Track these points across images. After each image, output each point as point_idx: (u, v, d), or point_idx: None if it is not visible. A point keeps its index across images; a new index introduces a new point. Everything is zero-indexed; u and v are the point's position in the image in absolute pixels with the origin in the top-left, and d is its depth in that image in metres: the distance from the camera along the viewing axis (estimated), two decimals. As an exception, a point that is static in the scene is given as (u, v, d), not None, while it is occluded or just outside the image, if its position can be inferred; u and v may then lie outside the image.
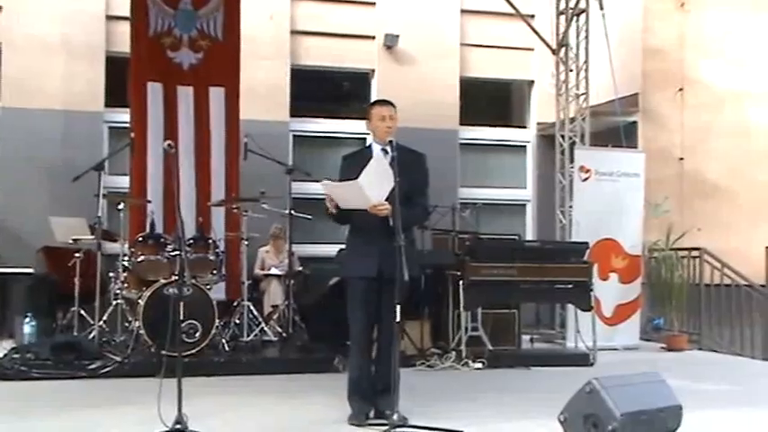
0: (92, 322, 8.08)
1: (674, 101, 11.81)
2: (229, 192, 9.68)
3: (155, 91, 9.74)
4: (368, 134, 5.55)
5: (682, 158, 11.70)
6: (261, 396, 6.42)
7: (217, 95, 9.92)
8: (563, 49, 11.32)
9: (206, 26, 9.95)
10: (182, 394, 4.72)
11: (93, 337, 7.91)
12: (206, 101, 9.88)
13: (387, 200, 5.13)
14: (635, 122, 11.81)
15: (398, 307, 5.00)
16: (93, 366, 7.15)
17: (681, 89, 11.81)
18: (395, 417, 4.97)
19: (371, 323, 5.41)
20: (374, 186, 5.09)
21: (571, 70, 11.22)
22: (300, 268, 9.73)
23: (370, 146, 5.57)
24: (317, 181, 5.40)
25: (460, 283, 8.24)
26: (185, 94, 9.84)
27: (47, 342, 7.59)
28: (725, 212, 11.52)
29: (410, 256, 4.99)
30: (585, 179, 10.03)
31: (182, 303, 5.17)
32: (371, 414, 5.37)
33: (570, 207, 10.57)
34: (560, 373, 7.67)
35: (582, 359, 8.50)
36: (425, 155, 5.58)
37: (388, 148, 5.33)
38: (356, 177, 5.10)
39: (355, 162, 5.39)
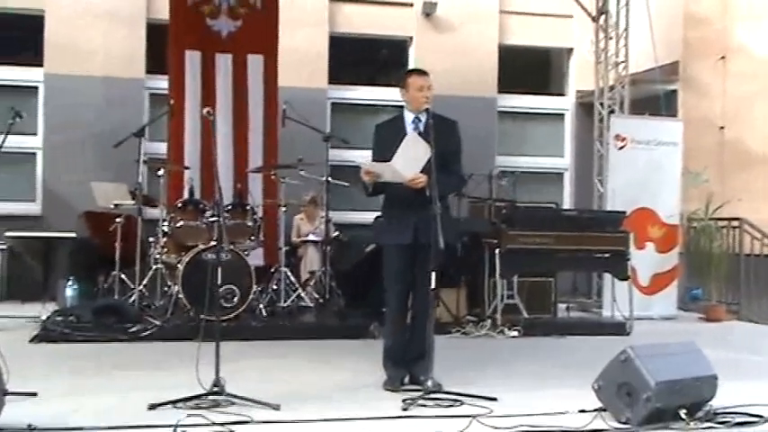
0: (132, 286, 8.23)
1: (715, 69, 11.63)
2: (267, 158, 9.75)
3: (193, 59, 9.81)
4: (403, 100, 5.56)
5: (722, 127, 11.54)
6: (297, 360, 6.51)
7: (255, 63, 9.95)
8: (603, 17, 11.19)
9: (245, -7, 9.97)
10: (219, 358, 4.80)
11: (134, 301, 8.05)
12: (244, 68, 9.93)
13: (422, 170, 5.15)
14: (675, 91, 11.67)
15: (433, 274, 5.03)
16: (133, 329, 7.29)
17: (723, 57, 11.62)
18: (429, 383, 5.03)
19: (407, 290, 5.45)
20: (409, 162, 5.13)
21: (611, 38, 11.10)
22: (337, 234, 9.78)
23: (402, 115, 5.57)
24: (354, 148, 5.44)
25: (497, 251, 8.25)
26: (224, 62, 9.89)
27: (88, 305, 7.75)
28: (765, 182, 11.35)
29: (446, 224, 5.03)
30: (621, 148, 9.95)
31: (219, 268, 5.21)
32: (406, 380, 5.42)
33: (607, 176, 10.50)
34: (596, 342, 7.67)
35: (618, 328, 8.49)
36: (457, 122, 5.58)
37: (422, 116, 5.34)
38: (391, 150, 5.12)
39: (389, 132, 5.44)
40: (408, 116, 5.49)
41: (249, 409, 4.58)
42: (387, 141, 5.31)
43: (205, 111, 5.48)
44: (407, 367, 5.45)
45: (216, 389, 4.73)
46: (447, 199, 5.43)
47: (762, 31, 11.66)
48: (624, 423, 4.41)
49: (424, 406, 4.82)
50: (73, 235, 9.82)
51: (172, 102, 9.35)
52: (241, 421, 4.31)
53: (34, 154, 11.13)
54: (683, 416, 4.40)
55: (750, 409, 4.69)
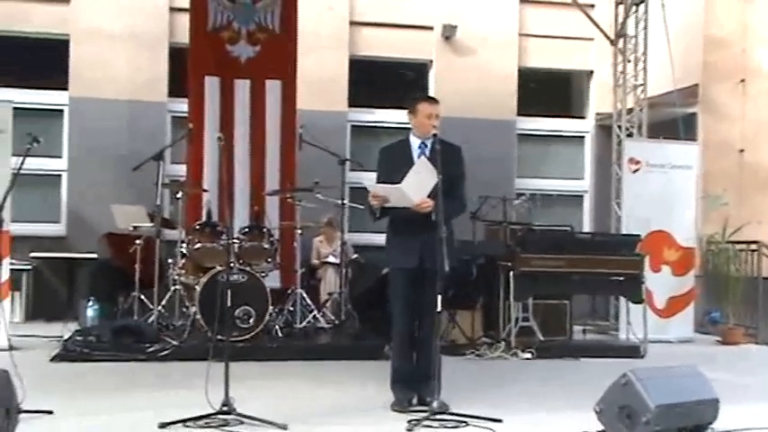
0: (151, 307, 8.37)
1: (735, 92, 11.62)
2: (284, 182, 9.89)
3: (212, 84, 9.98)
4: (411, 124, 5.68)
5: (742, 150, 11.53)
6: (309, 381, 6.61)
7: (273, 88, 10.11)
8: (621, 40, 11.27)
9: (264, 19, 10.14)
10: (228, 378, 4.91)
11: (152, 322, 8.20)
12: (262, 93, 10.08)
13: (429, 195, 5.25)
14: (694, 114, 11.66)
15: (439, 297, 5.12)
16: (151, 349, 7.44)
17: (742, 80, 11.61)
18: (435, 404, 5.12)
19: (413, 313, 5.54)
20: (417, 187, 5.25)
21: (629, 61, 11.16)
22: (356, 256, 9.88)
23: (407, 139, 5.68)
24: (372, 171, 5.56)
25: (511, 273, 8.31)
26: (242, 87, 10.05)
27: (108, 325, 7.90)
28: (784, 206, 11.33)
29: (450, 248, 5.12)
30: (635, 171, 10.00)
31: (230, 290, 5.32)
32: (414, 401, 5.50)
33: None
34: (609, 365, 7.60)
35: (633, 351, 8.51)
36: (461, 147, 5.68)
37: (428, 142, 5.46)
38: (395, 173, 5.25)
39: (393, 156, 5.57)
40: (415, 141, 5.61)
41: (258, 428, 4.70)
42: (392, 164, 5.45)
43: (217, 135, 5.63)
44: (415, 388, 5.54)
45: (225, 408, 4.84)
46: (450, 223, 5.52)
47: (782, 54, 11.68)
48: (624, 446, 4.47)
49: (429, 426, 4.91)
50: (94, 256, 10.01)
51: (191, 126, 9.53)
52: (247, 440, 4.42)
53: (59, 176, 11.34)
54: (684, 439, 4.45)
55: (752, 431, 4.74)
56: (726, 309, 10.30)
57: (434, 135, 5.45)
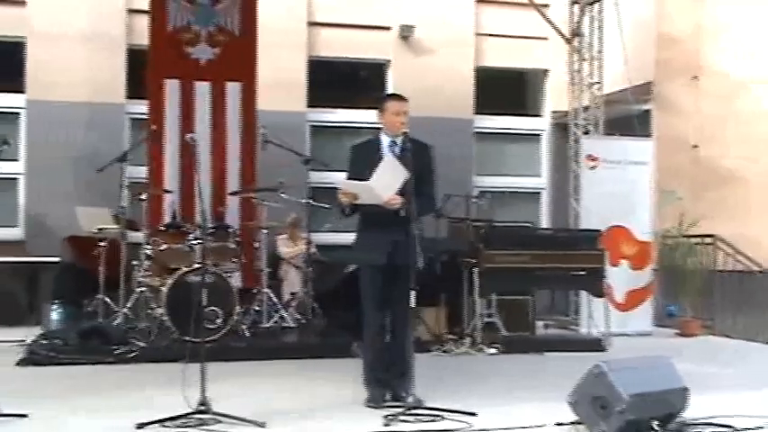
0: (116, 309, 8.33)
1: (688, 89, 11.85)
2: (245, 182, 9.89)
3: (172, 87, 9.96)
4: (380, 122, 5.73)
5: (696, 146, 11.76)
6: (280, 380, 6.62)
7: (233, 90, 10.11)
8: (577, 39, 11.41)
9: (224, 21, 10.14)
10: (205, 377, 4.92)
11: (118, 324, 8.14)
12: (223, 96, 10.08)
13: (398, 192, 5.32)
14: (648, 111, 11.89)
15: (413, 293, 5.18)
16: (118, 351, 7.37)
17: (695, 77, 11.85)
18: (410, 399, 5.19)
19: (384, 310, 5.59)
20: (386, 184, 5.31)
21: (585, 59, 11.31)
22: (314, 252, 9.84)
23: (378, 137, 5.74)
24: (335, 171, 5.60)
25: (475, 270, 8.41)
26: (202, 90, 10.04)
27: (74, 328, 7.83)
28: (738, 200, 11.57)
29: (420, 244, 5.18)
30: (593, 167, 10.19)
31: (204, 290, 5.33)
32: (388, 397, 5.55)
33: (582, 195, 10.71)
34: (573, 359, 7.75)
35: (595, 345, 8.66)
36: (432, 146, 5.75)
37: (398, 140, 5.53)
38: (366, 171, 5.32)
39: (364, 153, 5.63)
40: (385, 139, 5.66)
41: (235, 426, 4.71)
42: (362, 162, 5.50)
43: (188, 137, 5.64)
44: (388, 385, 5.58)
45: (202, 407, 4.85)
46: (421, 220, 5.58)
47: (732, 50, 11.93)
48: (599, 435, 4.57)
49: (406, 421, 4.96)
50: (57, 259, 9.91)
51: (154, 127, 9.49)
52: (228, 438, 4.44)
53: (16, 180, 11.19)
54: (656, 427, 4.56)
55: (720, 420, 4.86)
56: (683, 302, 10.51)
57: (405, 133, 5.50)
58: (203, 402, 4.87)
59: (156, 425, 4.70)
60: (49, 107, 11.01)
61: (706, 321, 10.39)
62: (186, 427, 4.68)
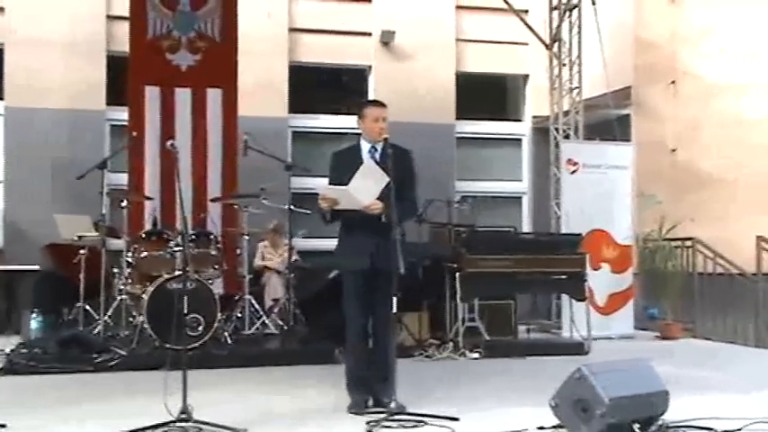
0: (97, 317, 8.27)
1: (666, 93, 11.92)
2: (227, 188, 9.86)
3: (153, 93, 9.91)
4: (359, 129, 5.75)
5: (674, 150, 11.84)
6: (263, 387, 6.61)
7: (214, 97, 10.07)
8: (556, 44, 11.48)
9: (204, 27, 10.12)
10: (186, 385, 4.90)
11: (99, 332, 8.09)
12: (203, 102, 10.04)
13: (379, 197, 5.32)
14: (628, 115, 11.97)
15: (395, 298, 5.19)
16: (99, 360, 7.34)
17: (673, 81, 11.92)
18: (392, 405, 5.19)
19: (366, 315, 5.60)
20: (365, 189, 5.32)
21: (564, 64, 11.39)
22: (296, 259, 9.84)
23: (358, 143, 5.75)
24: (317, 176, 5.59)
25: (457, 274, 8.42)
26: (183, 97, 10.00)
27: (53, 337, 7.78)
28: (717, 203, 11.62)
29: (402, 250, 5.18)
30: (573, 172, 10.25)
31: (186, 297, 5.31)
32: (370, 403, 5.55)
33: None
34: (556, 362, 7.79)
35: (577, 348, 8.68)
36: (412, 151, 5.76)
37: (378, 146, 5.54)
38: (347, 177, 5.32)
39: (345, 159, 5.63)
40: (365, 145, 5.68)
41: (217, 434, 4.68)
42: (343, 168, 5.51)
43: (169, 144, 5.63)
44: (371, 391, 5.58)
45: (184, 416, 4.83)
46: (403, 226, 5.58)
47: (710, 54, 12.00)
48: (580, 438, 4.58)
49: (388, 427, 4.97)
50: (36, 267, 9.84)
51: (134, 134, 9.46)
52: (209, 446, 4.41)
53: (-6, 187, 11.14)
54: (637, 430, 4.57)
55: (701, 422, 4.89)
56: (664, 305, 10.56)
57: (385, 139, 5.51)
58: (184, 410, 4.85)
59: (137, 433, 4.67)
60: (28, 114, 10.98)
61: (687, 324, 10.44)
62: (168, 435, 4.65)
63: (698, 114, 11.89)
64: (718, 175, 11.77)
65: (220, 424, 4.82)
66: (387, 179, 5.30)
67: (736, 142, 11.92)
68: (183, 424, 4.80)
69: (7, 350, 7.73)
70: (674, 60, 11.96)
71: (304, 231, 9.63)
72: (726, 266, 10.47)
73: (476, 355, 8.28)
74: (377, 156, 5.57)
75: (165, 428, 4.75)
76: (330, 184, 5.61)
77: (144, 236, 8.46)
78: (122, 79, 10.24)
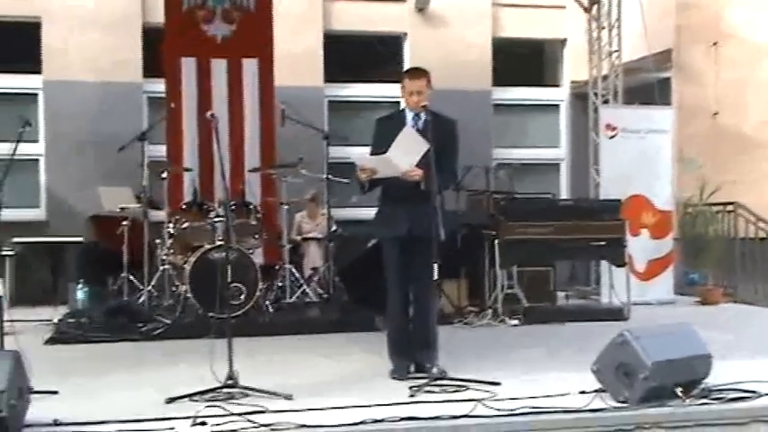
0: (141, 287, 8.40)
1: (707, 55, 11.75)
2: (265, 159, 9.91)
3: (188, 65, 9.93)
4: (402, 98, 5.74)
5: (716, 113, 11.69)
6: (305, 354, 6.68)
7: (251, 67, 10.07)
8: (595, 7, 11.33)
9: (238, -3, 10.12)
10: (232, 352, 4.97)
11: (143, 302, 8.23)
12: (239, 73, 10.05)
13: (418, 165, 5.32)
14: (668, 78, 11.81)
15: (435, 265, 5.21)
16: (144, 329, 7.49)
17: (715, 43, 11.74)
18: (434, 370, 5.23)
19: (407, 282, 5.62)
20: (404, 156, 5.32)
21: (603, 27, 11.23)
22: (335, 229, 9.89)
23: (403, 110, 5.74)
24: (354, 146, 5.60)
25: (496, 242, 8.42)
26: (219, 67, 10.01)
27: (100, 307, 7.93)
28: (759, 167, 11.51)
29: (442, 217, 5.19)
30: (612, 137, 10.16)
31: (224, 267, 5.39)
32: (412, 369, 5.59)
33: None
34: (595, 328, 7.76)
35: (616, 314, 8.66)
36: (456, 121, 5.74)
37: (422, 114, 5.53)
38: (389, 144, 5.31)
39: (389, 126, 5.60)
40: (409, 113, 5.66)
41: (263, 400, 4.76)
42: (387, 135, 5.48)
43: (209, 114, 5.68)
44: (412, 357, 5.62)
45: (231, 381, 4.91)
46: (443, 194, 5.57)
47: (753, 15, 11.81)
48: (623, 402, 4.60)
49: (431, 392, 5.00)
50: (80, 239, 10.00)
51: (173, 105, 9.53)
52: (257, 411, 4.48)
53: (36, 160, 11.28)
54: (679, 393, 4.59)
55: (743, 385, 4.88)
56: (704, 270, 10.50)
57: (424, 107, 5.50)
58: (231, 376, 4.93)
59: (186, 399, 4.76)
60: (66, 87, 11.09)
61: (728, 289, 10.37)
62: (215, 400, 4.73)
63: (740, 77, 11.74)
64: (760, 138, 11.65)
65: (266, 390, 4.88)
66: (426, 146, 5.29)
67: (778, 105, 11.77)
68: (229, 390, 4.88)
69: (55, 320, 7.90)
70: (717, 21, 11.78)
71: (355, 199, 9.63)
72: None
73: (515, 322, 8.30)
74: (420, 124, 5.55)
75: (213, 394, 4.83)
76: (373, 149, 5.60)
77: (185, 207, 8.55)
78: (158, 51, 10.29)
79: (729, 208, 10.59)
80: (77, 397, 5.01)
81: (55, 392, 4.93)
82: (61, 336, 7.35)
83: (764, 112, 11.77)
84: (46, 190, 11.27)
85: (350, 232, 10.10)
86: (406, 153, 5.35)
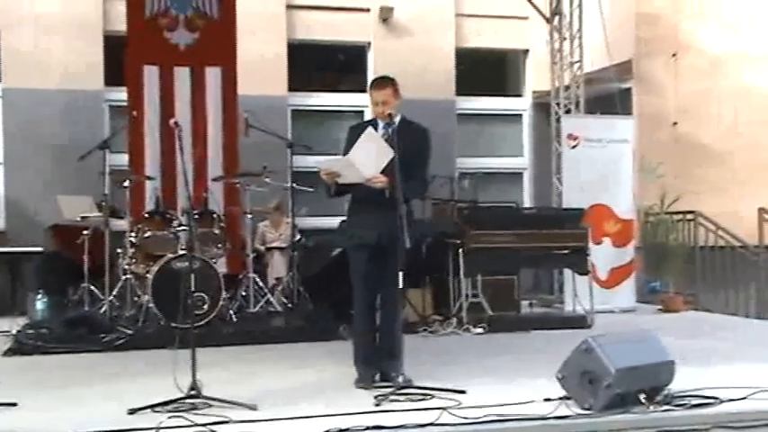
0: (102, 297, 8.29)
1: (667, 66, 11.92)
2: (228, 168, 9.84)
3: (151, 73, 9.86)
4: (366, 106, 5.73)
5: (675, 123, 11.84)
6: (269, 364, 6.63)
7: (213, 75, 10.02)
8: (557, 17, 11.43)
9: (201, 5, 10.05)
10: (195, 362, 4.92)
11: (104, 312, 8.11)
12: (203, 81, 9.99)
13: (384, 172, 5.31)
14: (629, 89, 11.94)
15: (400, 273, 5.20)
16: (105, 339, 7.36)
17: (674, 54, 11.91)
18: (400, 379, 5.22)
19: (373, 290, 5.60)
20: (367, 160, 5.28)
21: (565, 38, 11.34)
22: (299, 239, 9.83)
23: (375, 118, 5.72)
24: (318, 154, 5.57)
25: (460, 250, 8.44)
26: (182, 75, 9.96)
27: (60, 317, 7.82)
28: (718, 176, 11.68)
29: (409, 225, 5.19)
30: (574, 146, 10.24)
31: (186, 277, 5.34)
32: (377, 378, 5.57)
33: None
34: (559, 336, 7.83)
35: (580, 322, 8.71)
36: (428, 129, 5.74)
37: (394, 122, 5.53)
38: None
39: (359, 134, 5.57)
40: (381, 122, 5.65)
41: (227, 410, 4.70)
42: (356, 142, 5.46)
43: (172, 122, 5.62)
44: (378, 365, 5.60)
45: (193, 392, 4.85)
46: (411, 202, 5.58)
47: (711, 27, 11.99)
48: (587, 409, 4.61)
49: (396, 401, 4.98)
50: (40, 249, 9.85)
51: (134, 113, 9.45)
52: (221, 421, 4.43)
53: (-6, 169, 11.13)
54: (643, 400, 4.62)
55: (706, 391, 4.92)
56: (666, 278, 10.60)
57: (389, 115, 5.50)
58: (194, 387, 4.88)
59: (148, 410, 4.69)
60: (26, 95, 10.95)
61: (688, 297, 10.48)
62: (178, 411, 4.67)
63: (699, 88, 11.90)
64: (720, 148, 11.82)
65: (230, 400, 4.83)
66: (391, 153, 5.27)
67: (737, 115, 11.96)
68: (193, 400, 4.82)
69: (14, 331, 7.75)
70: (676, 33, 11.94)
71: (305, 210, 9.63)
72: (727, 239, 10.53)
73: (479, 331, 8.30)
74: (390, 131, 5.54)
75: (176, 405, 4.77)
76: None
77: (147, 216, 8.47)
78: (121, 59, 10.20)
79: (690, 217, 10.72)
80: (37, 409, 4.93)
81: (14, 404, 4.84)
82: (20, 347, 7.20)
83: (724, 122, 11.95)
84: (4, 199, 11.09)
85: (314, 241, 10.07)
86: (370, 158, 5.31)
